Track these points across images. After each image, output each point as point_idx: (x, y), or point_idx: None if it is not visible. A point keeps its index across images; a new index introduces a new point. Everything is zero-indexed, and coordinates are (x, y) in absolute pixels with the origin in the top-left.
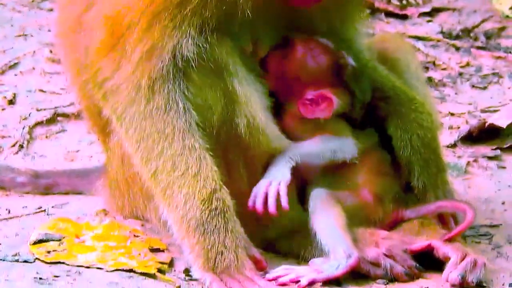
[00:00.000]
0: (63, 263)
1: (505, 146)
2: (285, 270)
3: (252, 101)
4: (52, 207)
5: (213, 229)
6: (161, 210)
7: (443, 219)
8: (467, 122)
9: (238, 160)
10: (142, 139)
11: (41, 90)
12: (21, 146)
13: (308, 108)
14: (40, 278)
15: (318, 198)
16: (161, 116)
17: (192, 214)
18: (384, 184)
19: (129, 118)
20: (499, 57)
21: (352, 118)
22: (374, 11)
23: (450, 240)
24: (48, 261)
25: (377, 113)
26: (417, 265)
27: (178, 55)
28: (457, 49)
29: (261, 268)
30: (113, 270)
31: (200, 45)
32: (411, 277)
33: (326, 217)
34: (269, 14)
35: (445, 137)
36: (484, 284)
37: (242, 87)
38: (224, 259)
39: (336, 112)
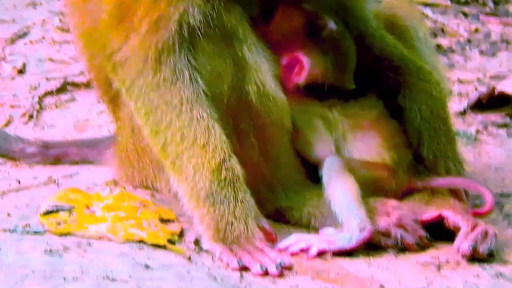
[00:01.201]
0: (73, 234)
1: None
2: (296, 239)
3: (262, 68)
4: (62, 177)
5: (223, 199)
6: (171, 182)
7: (453, 190)
8: (476, 89)
9: (249, 129)
10: (151, 111)
11: (51, 59)
12: (31, 116)
13: (286, 77)
14: (50, 250)
15: (332, 167)
16: (168, 87)
17: (201, 185)
18: (397, 155)
19: (138, 90)
20: (507, 24)
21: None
22: None
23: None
24: (59, 232)
25: (386, 82)
26: (428, 235)
27: (184, 25)
28: (466, 15)
29: (271, 240)
30: (123, 241)
31: (207, 13)
32: (422, 247)
33: (341, 187)
34: None
35: (454, 105)
36: (495, 254)
37: (252, 54)
38: (234, 229)
39: (312, 77)
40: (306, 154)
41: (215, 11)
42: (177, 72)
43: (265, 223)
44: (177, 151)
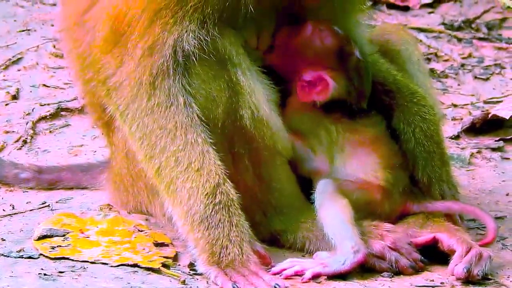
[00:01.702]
0: (67, 258)
1: (508, 137)
2: (291, 263)
3: (256, 92)
4: (56, 202)
5: (218, 223)
6: (166, 206)
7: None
8: (470, 113)
9: (243, 152)
10: (145, 135)
11: (45, 85)
12: (25, 142)
13: (305, 91)
14: (45, 274)
15: (326, 190)
16: (163, 112)
17: (196, 209)
18: (393, 178)
19: (132, 114)
20: (501, 48)
21: (353, 108)
22: (376, 2)
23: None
24: (53, 256)
25: (381, 106)
26: (422, 258)
27: (178, 50)
28: (459, 40)
29: (265, 263)
30: (118, 265)
31: (202, 38)
32: (416, 270)
33: (334, 210)
34: (272, 7)
35: (448, 129)
36: (490, 277)
37: (246, 78)
38: (229, 253)
39: (332, 97)
40: (302, 163)
41: (209, 36)
42: (171, 96)
43: (260, 246)
44: (172, 175)
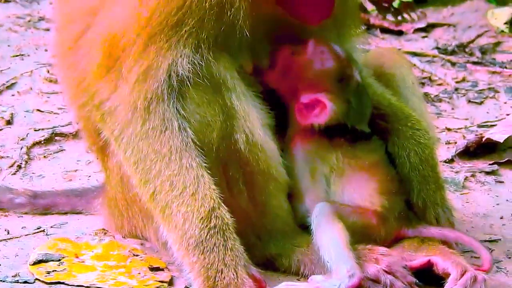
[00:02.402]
0: (63, 283)
1: (502, 160)
2: (286, 287)
3: (250, 116)
4: (51, 227)
5: (212, 247)
6: (161, 231)
7: None
8: (464, 137)
9: (238, 176)
10: (140, 160)
11: (39, 110)
12: (19, 167)
13: (303, 113)
14: None
15: (322, 213)
16: (157, 137)
17: (191, 233)
18: (389, 203)
19: (126, 139)
20: (494, 72)
21: (355, 133)
22: (370, 27)
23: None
24: (48, 281)
25: (374, 130)
26: (417, 281)
27: (173, 75)
28: (453, 64)
29: (261, 287)
30: None
31: (196, 62)
32: None
33: (330, 233)
34: (267, 31)
35: (443, 152)
36: None
37: (241, 102)
38: (224, 277)
39: (330, 120)
40: (298, 199)
41: (204, 60)
42: (166, 121)
43: (255, 270)
44: (167, 200)
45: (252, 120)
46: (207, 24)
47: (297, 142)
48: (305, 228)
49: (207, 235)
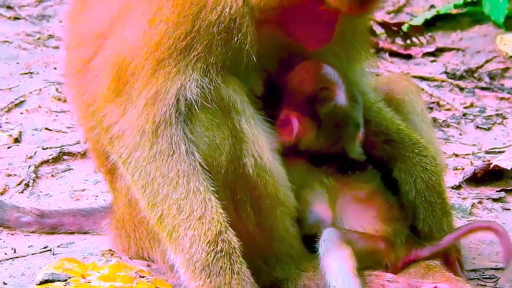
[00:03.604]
0: None
1: (509, 187)
2: None
3: (259, 140)
4: (58, 246)
5: (219, 271)
6: (168, 254)
7: (448, 262)
8: (471, 163)
9: (245, 199)
10: (148, 183)
11: (47, 129)
12: (27, 185)
13: (278, 130)
14: None
15: (330, 238)
16: (165, 160)
17: (198, 257)
18: (395, 229)
19: (134, 163)
20: (503, 98)
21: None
22: (379, 50)
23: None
24: None
25: (381, 155)
26: None
27: (181, 99)
28: (461, 89)
29: None
30: None
31: (205, 86)
32: None
33: (337, 259)
34: (275, 55)
35: (450, 178)
36: None
37: (250, 126)
38: None
39: (303, 143)
40: (302, 217)
41: (213, 84)
42: (173, 144)
43: None
44: (174, 223)
45: (261, 144)
46: (215, 49)
47: (291, 168)
48: (311, 247)
49: (213, 258)
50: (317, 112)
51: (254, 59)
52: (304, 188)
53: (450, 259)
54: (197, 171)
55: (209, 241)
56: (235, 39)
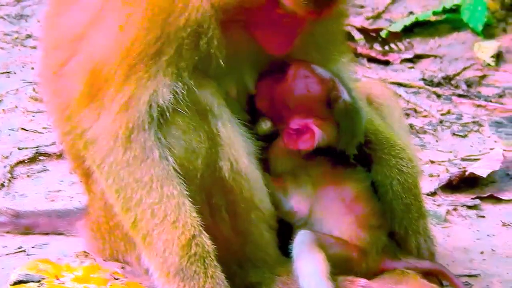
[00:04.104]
0: None
1: (484, 195)
2: None
3: (236, 144)
4: (33, 247)
5: (193, 275)
6: (143, 258)
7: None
8: (447, 170)
9: (221, 203)
10: (121, 188)
11: (23, 129)
12: (2, 185)
13: (292, 139)
14: None
15: (304, 241)
16: (139, 165)
17: (171, 261)
18: (372, 238)
19: (108, 167)
20: (479, 106)
21: (343, 156)
22: (357, 56)
23: None
24: None
25: (358, 156)
26: None
27: (154, 105)
28: (438, 96)
29: None
30: None
31: (178, 91)
32: None
33: (310, 263)
34: (247, 58)
35: (425, 185)
36: None
37: (226, 130)
38: None
39: (320, 145)
40: (281, 204)
41: (186, 88)
42: (147, 150)
43: None
44: (148, 228)
45: (237, 147)
46: (185, 53)
47: (279, 161)
48: (286, 250)
49: (187, 262)
50: (333, 112)
51: (222, 63)
52: (288, 174)
53: None
54: (171, 175)
55: (182, 245)
56: (203, 43)
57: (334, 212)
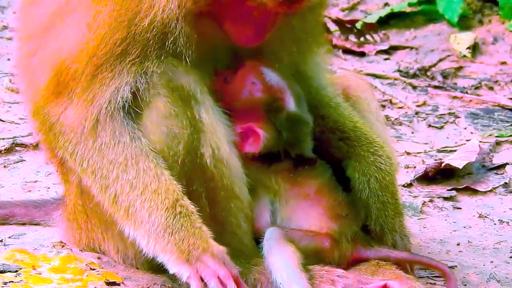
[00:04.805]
0: None
1: (460, 187)
2: None
3: (218, 131)
4: (9, 237)
5: (181, 227)
6: (127, 232)
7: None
8: (423, 161)
9: (201, 191)
10: (97, 169)
11: (0, 120)
12: None
13: (238, 142)
14: None
15: (272, 237)
16: (111, 149)
17: (158, 222)
18: (339, 227)
19: (80, 153)
20: (455, 97)
21: (296, 157)
22: (332, 47)
23: None
24: None
25: (336, 153)
26: None
27: (116, 99)
28: (414, 88)
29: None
30: None
31: (140, 87)
32: None
33: (281, 256)
34: (219, 52)
35: (401, 176)
36: None
37: (209, 116)
38: (198, 247)
39: (265, 149)
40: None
41: (167, 73)
42: (117, 136)
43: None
44: (129, 199)
45: (219, 135)
46: (151, 53)
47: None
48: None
49: (173, 220)
50: (275, 119)
51: (188, 61)
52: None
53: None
54: (146, 151)
55: (167, 207)
56: (169, 43)
57: (300, 209)
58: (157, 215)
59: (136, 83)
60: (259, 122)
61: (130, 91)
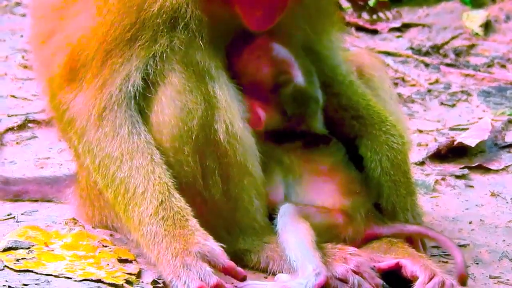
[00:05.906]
0: (32, 271)
1: (473, 165)
2: (252, 286)
3: (232, 107)
4: (22, 214)
5: (165, 234)
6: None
7: (411, 240)
8: (435, 139)
9: (214, 166)
10: (99, 166)
11: (13, 96)
12: None
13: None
14: (9, 286)
15: (287, 214)
16: (110, 142)
17: (146, 231)
18: (354, 203)
19: (82, 147)
20: (468, 75)
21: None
22: (345, 25)
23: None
24: (17, 269)
25: (349, 131)
26: (385, 283)
27: (126, 87)
28: (426, 65)
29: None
30: (81, 280)
31: (151, 71)
32: None
33: (295, 233)
34: (230, 35)
35: (414, 155)
36: None
37: (223, 92)
38: (180, 251)
39: (271, 126)
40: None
41: (183, 48)
42: (117, 127)
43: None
44: (124, 202)
45: (233, 111)
46: (160, 38)
47: None
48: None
49: (157, 227)
50: (279, 97)
51: (202, 44)
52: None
53: (413, 237)
54: (142, 148)
55: (151, 214)
56: (180, 27)
57: (314, 185)
58: (145, 223)
59: (147, 68)
60: (261, 102)
61: (141, 78)
